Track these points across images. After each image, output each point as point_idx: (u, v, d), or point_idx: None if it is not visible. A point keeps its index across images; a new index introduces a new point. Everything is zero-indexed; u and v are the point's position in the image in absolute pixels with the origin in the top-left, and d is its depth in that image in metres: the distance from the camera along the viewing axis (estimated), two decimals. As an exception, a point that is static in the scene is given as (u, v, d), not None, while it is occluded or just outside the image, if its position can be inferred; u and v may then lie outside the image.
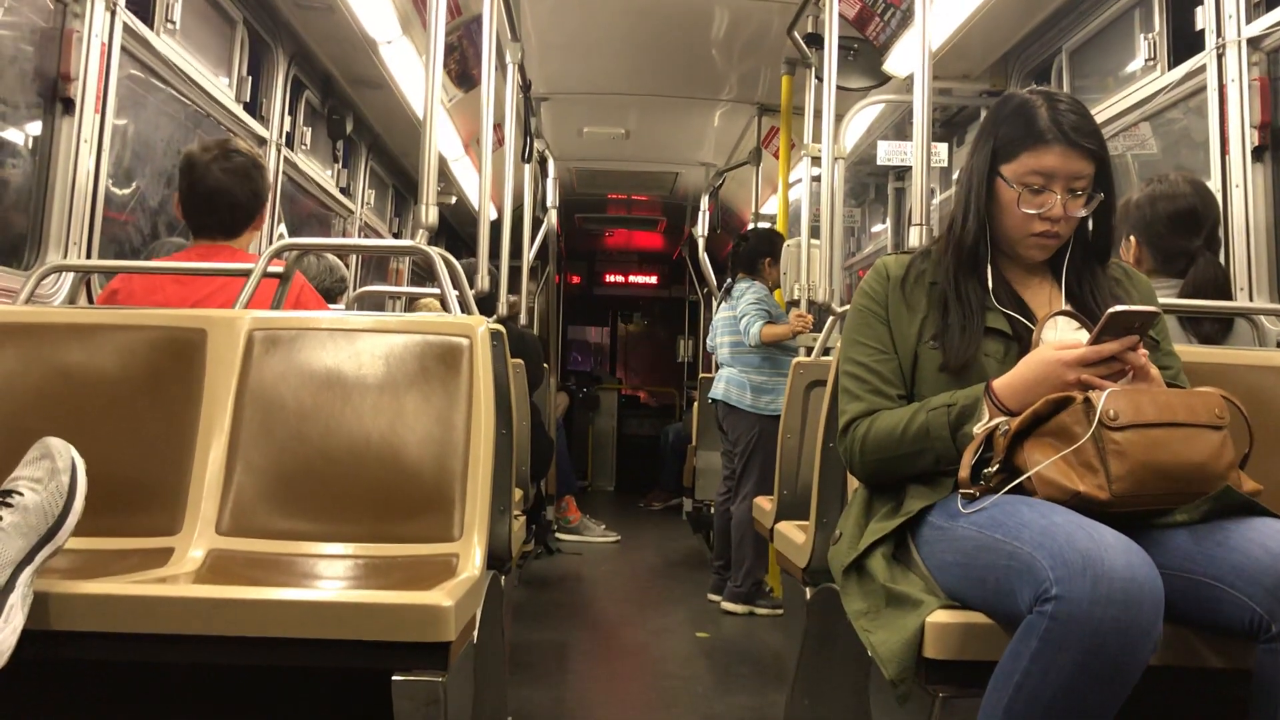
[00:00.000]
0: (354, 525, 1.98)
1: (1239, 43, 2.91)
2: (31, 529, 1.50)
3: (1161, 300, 2.06)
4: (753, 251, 5.04)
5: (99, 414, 2.04)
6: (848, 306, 2.00)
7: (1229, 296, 2.41)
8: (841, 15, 4.17)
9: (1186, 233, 2.42)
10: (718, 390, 4.95)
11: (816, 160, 4.23)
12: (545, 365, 5.19)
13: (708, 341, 5.45)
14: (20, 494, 1.53)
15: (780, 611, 4.55)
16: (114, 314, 2.21)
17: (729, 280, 5.16)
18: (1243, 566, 1.45)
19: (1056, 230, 1.78)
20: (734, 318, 4.91)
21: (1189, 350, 2.15)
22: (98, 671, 1.84)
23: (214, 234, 2.65)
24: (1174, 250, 2.43)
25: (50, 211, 2.89)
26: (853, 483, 1.97)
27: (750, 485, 4.71)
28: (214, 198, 2.62)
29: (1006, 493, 1.59)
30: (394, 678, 1.49)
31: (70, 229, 2.92)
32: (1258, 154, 2.87)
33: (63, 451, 1.61)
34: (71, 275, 2.76)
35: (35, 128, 2.91)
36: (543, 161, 6.88)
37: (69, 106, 2.90)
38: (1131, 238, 2.50)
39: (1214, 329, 2.43)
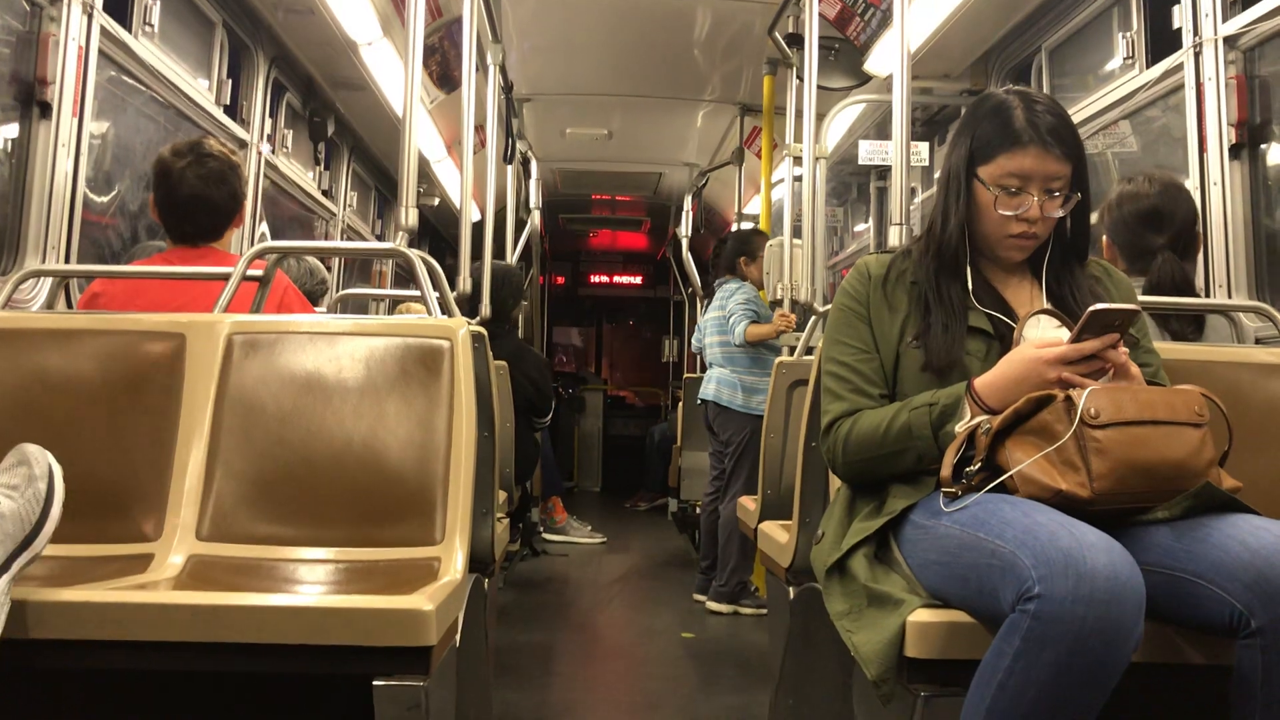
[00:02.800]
0: (335, 530, 1.97)
1: (1216, 41, 2.93)
2: (8, 536, 1.49)
3: (1141, 299, 2.06)
4: (730, 253, 5.06)
5: (77, 419, 2.02)
6: (830, 306, 2.00)
7: (1189, 294, 2.42)
8: (822, 15, 4.18)
9: (1150, 232, 2.44)
10: (708, 391, 4.94)
11: (798, 160, 4.22)
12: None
13: (693, 341, 5.45)
14: (-4, 501, 1.51)
15: (765, 611, 4.55)
16: (91, 319, 2.20)
17: (717, 281, 5.16)
18: (1223, 563, 1.46)
19: (1034, 231, 1.78)
20: (723, 318, 4.91)
21: (1169, 347, 2.16)
22: (77, 680, 1.82)
23: (193, 239, 2.63)
24: (1140, 249, 2.45)
25: (28, 216, 2.87)
26: (835, 482, 1.97)
27: (739, 485, 4.70)
28: (191, 205, 2.59)
29: (988, 491, 1.59)
30: (375, 683, 1.48)
31: (48, 233, 2.90)
32: (1235, 152, 2.89)
33: (40, 458, 1.60)
34: (50, 280, 2.74)
35: (11, 131, 2.89)
36: (525, 163, 6.87)
37: (46, 110, 2.88)
38: (1104, 238, 2.52)
39: (1181, 325, 2.45)
